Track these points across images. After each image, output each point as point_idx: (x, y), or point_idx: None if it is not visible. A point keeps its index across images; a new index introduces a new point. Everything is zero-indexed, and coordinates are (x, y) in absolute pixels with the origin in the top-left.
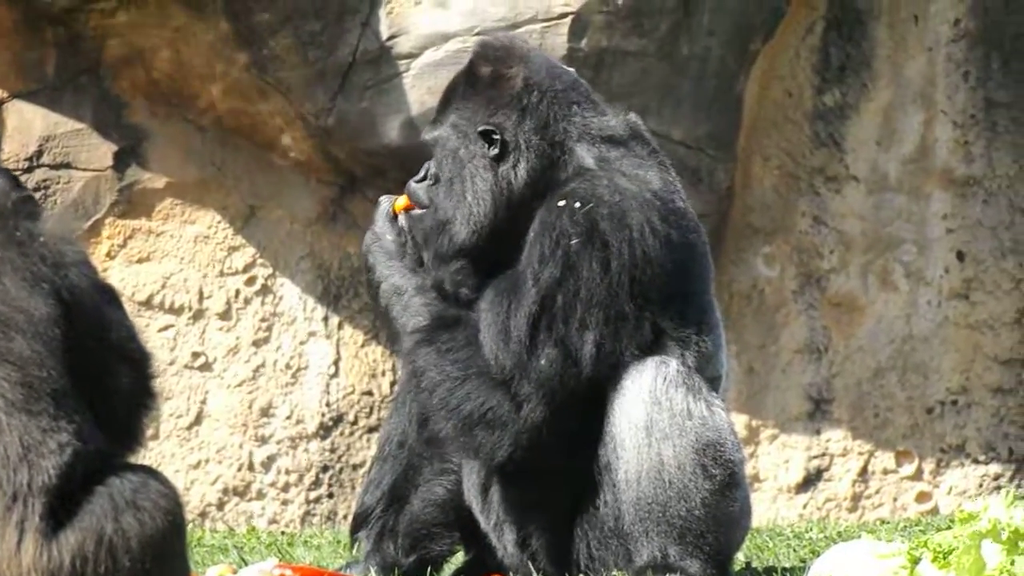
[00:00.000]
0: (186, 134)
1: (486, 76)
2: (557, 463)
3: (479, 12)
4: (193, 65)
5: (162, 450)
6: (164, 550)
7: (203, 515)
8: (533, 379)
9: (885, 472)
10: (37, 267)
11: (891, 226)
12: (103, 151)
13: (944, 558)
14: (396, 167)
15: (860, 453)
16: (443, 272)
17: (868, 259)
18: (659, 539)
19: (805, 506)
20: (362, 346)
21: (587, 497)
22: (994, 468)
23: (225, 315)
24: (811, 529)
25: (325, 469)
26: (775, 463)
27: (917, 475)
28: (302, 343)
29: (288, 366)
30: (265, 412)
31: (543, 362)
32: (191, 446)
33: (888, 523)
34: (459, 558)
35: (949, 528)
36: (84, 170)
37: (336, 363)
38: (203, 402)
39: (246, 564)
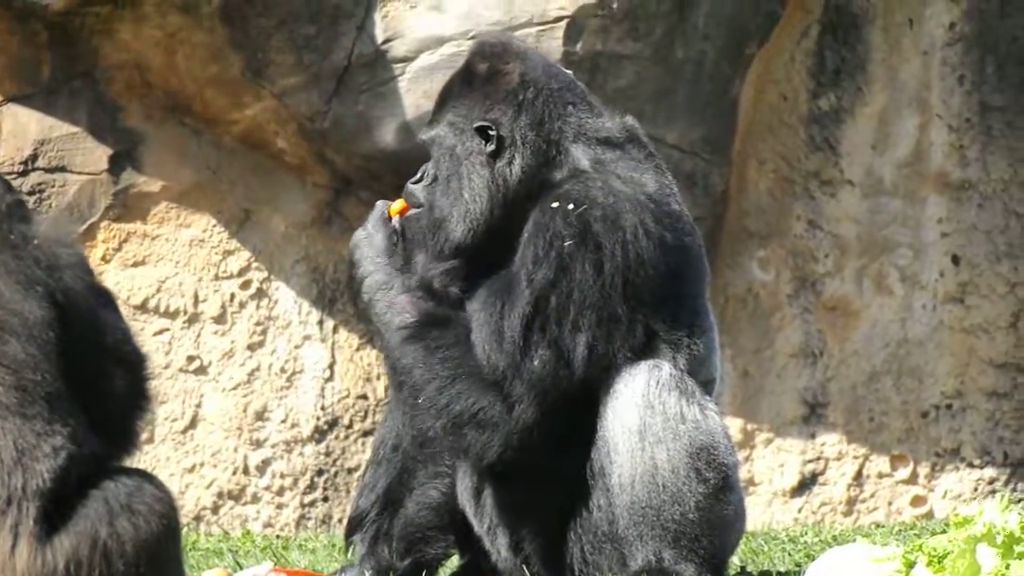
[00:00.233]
0: (181, 138)
1: (482, 72)
2: (545, 463)
3: (474, 16)
4: (188, 69)
5: (157, 454)
6: (159, 554)
7: (198, 519)
8: (526, 380)
9: (880, 476)
10: (31, 270)
11: (886, 230)
12: (98, 155)
13: (939, 562)
14: (391, 171)
15: (855, 457)
16: (434, 271)
17: (863, 263)
18: (653, 543)
19: (800, 510)
20: (357, 350)
21: (581, 501)
22: (989, 472)
23: (220, 319)
24: (806, 533)
25: (320, 473)
26: (770, 467)
27: (912, 479)
28: (297, 347)
29: (283, 370)
30: (260, 416)
31: (536, 363)
32: (186, 450)
33: (883, 527)
34: (454, 562)
35: (944, 532)
36: (79, 174)
37: (331, 367)
38: (198, 406)
39: (241, 568)
